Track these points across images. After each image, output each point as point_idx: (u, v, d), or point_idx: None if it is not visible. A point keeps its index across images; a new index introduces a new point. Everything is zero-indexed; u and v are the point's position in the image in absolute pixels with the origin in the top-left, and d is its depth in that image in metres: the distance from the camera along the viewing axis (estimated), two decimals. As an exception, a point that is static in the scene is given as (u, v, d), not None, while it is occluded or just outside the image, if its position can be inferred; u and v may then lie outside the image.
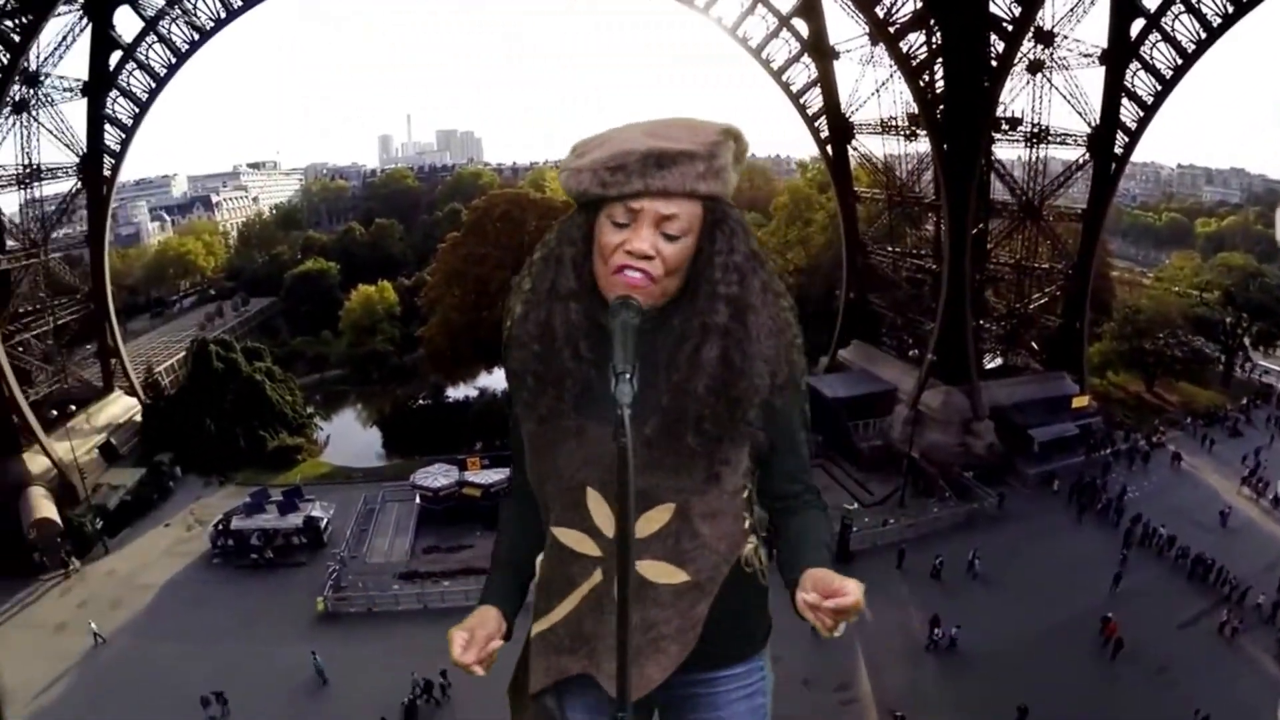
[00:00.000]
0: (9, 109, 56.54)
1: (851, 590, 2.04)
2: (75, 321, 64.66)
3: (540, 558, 2.66)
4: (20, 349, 58.46)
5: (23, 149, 59.15)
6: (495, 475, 49.88)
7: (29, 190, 60.70)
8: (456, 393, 76.23)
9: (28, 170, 59.84)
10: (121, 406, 65.98)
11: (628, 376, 1.91)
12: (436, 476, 52.52)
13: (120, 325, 69.09)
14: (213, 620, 42.49)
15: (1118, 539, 47.11)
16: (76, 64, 66.22)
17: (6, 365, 53.75)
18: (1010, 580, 43.45)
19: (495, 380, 73.45)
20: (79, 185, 62.74)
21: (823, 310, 72.42)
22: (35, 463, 53.83)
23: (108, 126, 62.32)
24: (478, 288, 67.46)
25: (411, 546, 49.89)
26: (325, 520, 50.85)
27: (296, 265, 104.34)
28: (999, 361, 63.80)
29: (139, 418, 65.68)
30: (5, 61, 52.49)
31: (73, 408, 61.80)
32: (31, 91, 57.91)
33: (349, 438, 72.72)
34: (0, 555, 48.57)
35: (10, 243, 59.77)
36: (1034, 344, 62.13)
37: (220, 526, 50.28)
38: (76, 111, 61.61)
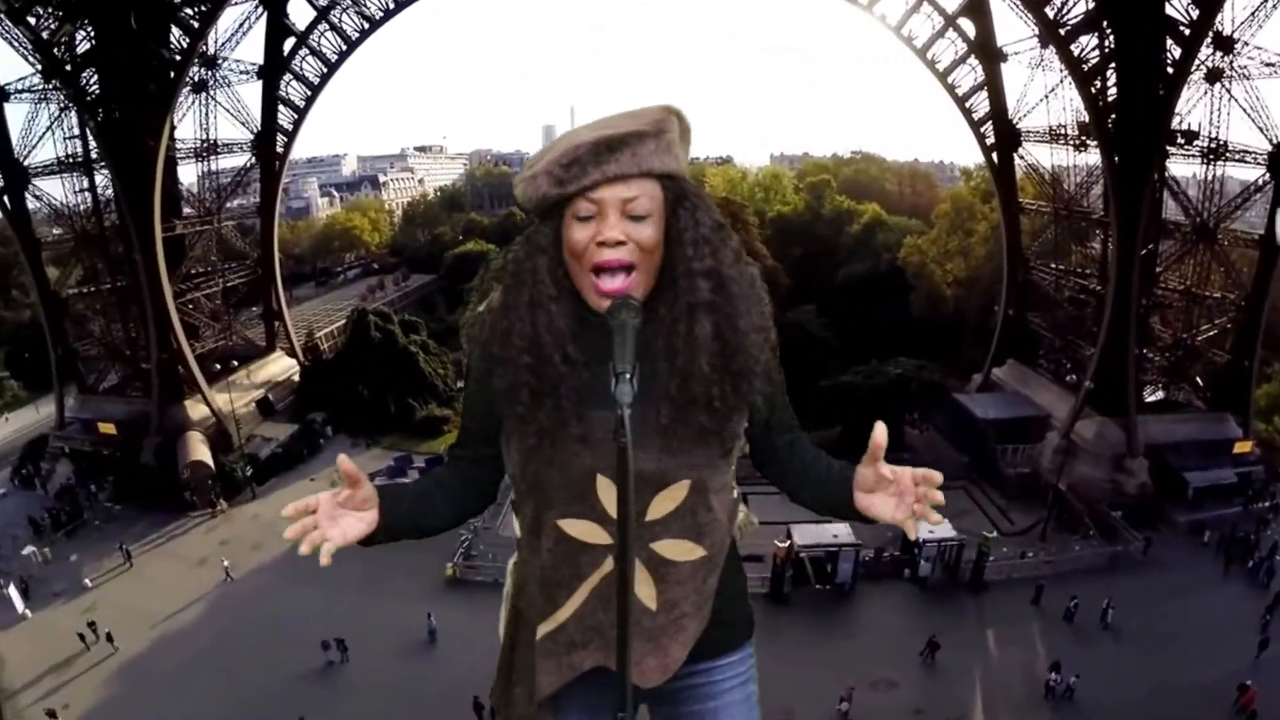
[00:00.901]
0: (189, 88, 60.94)
1: (907, 471, 2.35)
2: (243, 285, 69.60)
3: (513, 561, 2.71)
4: (191, 306, 63.43)
5: (201, 125, 64.15)
6: None
7: (206, 163, 65.62)
8: None
9: (205, 145, 64.70)
10: (281, 366, 70.02)
11: (628, 377, 1.95)
12: None
13: (285, 291, 73.02)
14: (343, 573, 43.73)
15: (1265, 601, 42.91)
16: (253, 49, 69.91)
17: (177, 320, 58.62)
18: (1144, 632, 40.41)
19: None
20: (253, 160, 67.36)
21: (979, 326, 70.36)
22: (196, 410, 58.49)
23: (281, 107, 66.50)
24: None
25: None
26: None
27: (457, 245, 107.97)
28: (1160, 395, 59.45)
29: (296, 378, 69.59)
30: (185, 45, 56.31)
31: (235, 364, 66.58)
32: (210, 73, 62.64)
33: None
34: (157, 491, 54.27)
35: (187, 210, 65.20)
36: (1198, 380, 57.35)
37: (369, 487, 52.09)
38: (252, 92, 65.45)
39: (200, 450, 55.97)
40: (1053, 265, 61.21)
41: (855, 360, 62.74)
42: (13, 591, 45.43)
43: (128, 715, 36.65)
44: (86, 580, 47.25)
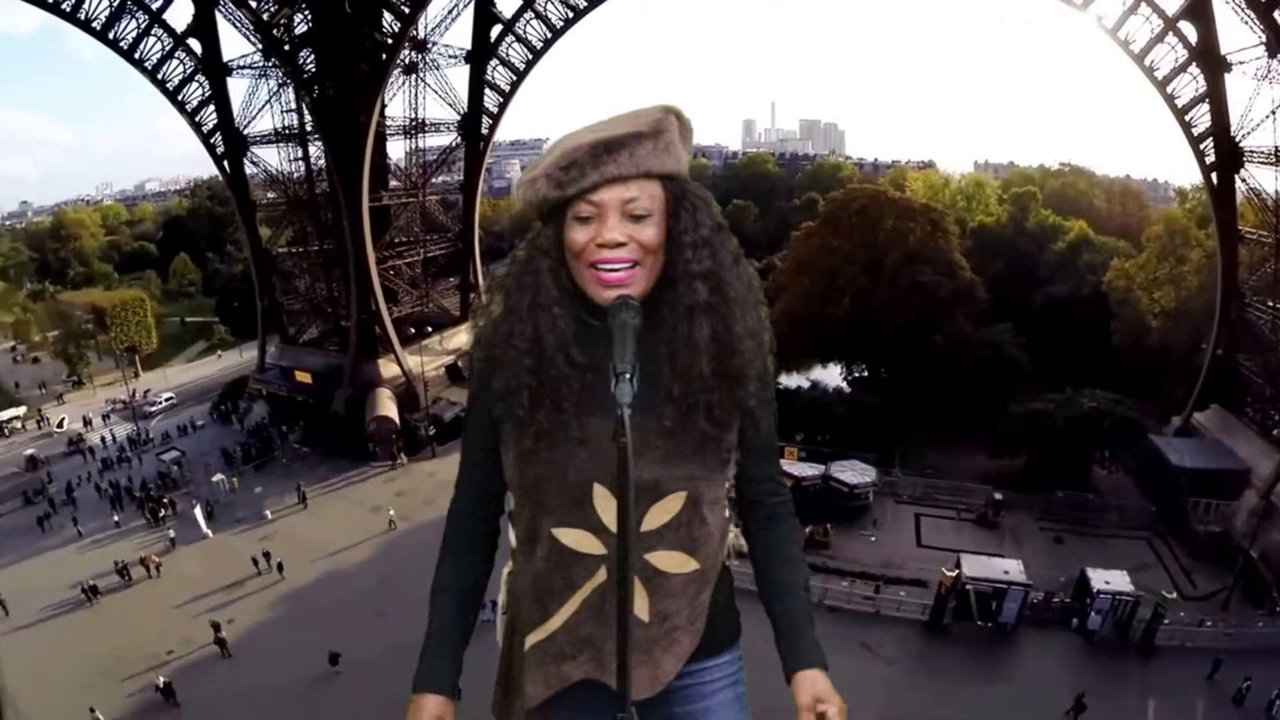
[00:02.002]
0: (400, 70, 65.24)
1: (839, 707, 2.29)
2: (443, 256, 74.11)
3: (508, 570, 2.68)
4: (392, 272, 68.15)
5: (410, 105, 68.73)
6: (810, 470, 49.16)
7: (414, 140, 70.39)
8: (789, 380, 74.15)
9: (414, 123, 69.39)
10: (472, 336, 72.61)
11: (628, 376, 1.97)
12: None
13: (483, 265, 75.91)
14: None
15: None
16: (461, 34, 73.16)
17: (378, 284, 63.40)
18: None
19: (827, 375, 73.62)
20: (458, 140, 71.39)
21: (1184, 363, 63.79)
22: (388, 369, 63.51)
23: (487, 91, 70.11)
24: (826, 280, 66.48)
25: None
26: None
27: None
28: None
29: None
30: (397, 30, 60.09)
31: (429, 329, 71.39)
32: (420, 56, 66.94)
33: None
34: (343, 439, 59.45)
35: (394, 183, 70.19)
36: None
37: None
38: (460, 76, 69.13)
39: (388, 406, 60.53)
40: (1271, 304, 53.46)
41: (1048, 387, 58.83)
42: (199, 512, 51.26)
43: (286, 636, 39.87)
44: (267, 512, 52.51)
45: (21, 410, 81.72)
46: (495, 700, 2.68)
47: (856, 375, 73.78)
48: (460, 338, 70.88)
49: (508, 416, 2.38)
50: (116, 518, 54.97)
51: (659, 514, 2.34)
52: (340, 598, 41.92)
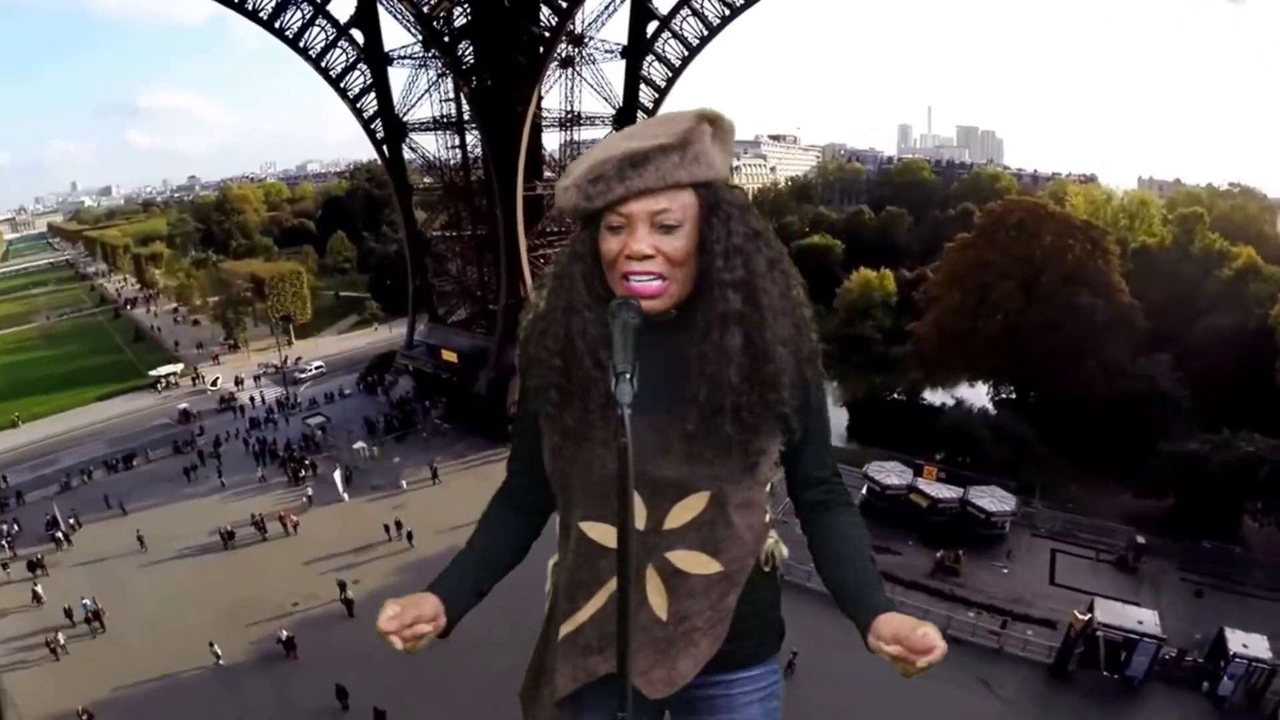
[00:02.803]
0: (556, 63, 66.87)
1: (936, 643, 2.08)
2: None
3: (553, 562, 2.67)
4: (542, 261, 68.55)
5: (566, 97, 70.51)
6: (948, 491, 48.11)
7: (569, 132, 72.11)
8: (933, 396, 73.91)
9: (569, 116, 71.10)
10: None
11: (628, 376, 1.96)
12: (890, 474, 50.63)
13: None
14: None
15: None
16: (617, 29, 74.05)
17: (528, 271, 64.86)
18: None
19: (974, 394, 71.32)
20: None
21: None
22: None
23: (643, 86, 71.05)
24: (978, 294, 64.68)
25: None
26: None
27: (803, 237, 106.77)
28: None
29: None
30: (554, 24, 61.53)
31: None
32: (577, 50, 68.55)
33: None
34: (483, 418, 60.89)
35: (548, 173, 71.53)
36: None
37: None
38: (616, 70, 69.59)
39: None
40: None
41: (1205, 427, 54.48)
42: (338, 476, 53.88)
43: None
44: (403, 482, 54.77)
45: (179, 367, 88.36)
46: (525, 686, 2.73)
47: (1003, 397, 70.90)
48: None
49: (541, 412, 2.45)
50: (261, 473, 58.73)
51: (682, 512, 2.35)
52: (469, 573, 43.07)
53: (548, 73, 64.64)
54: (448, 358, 68.85)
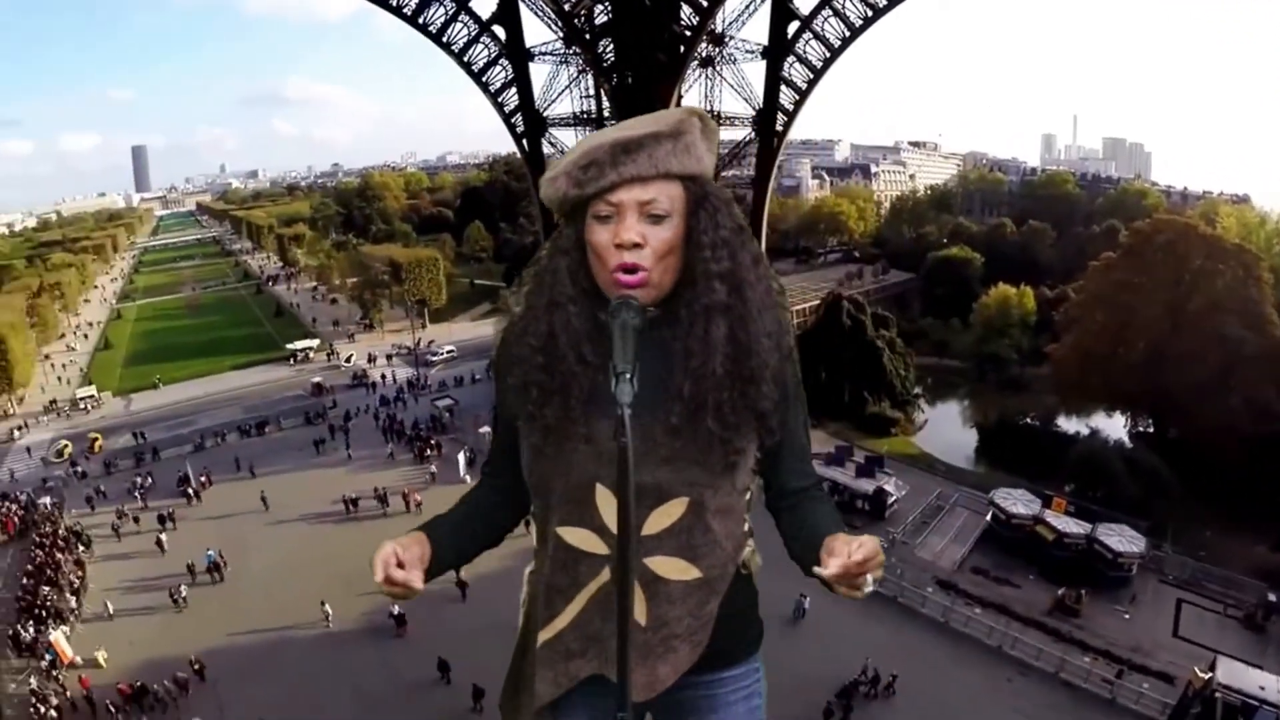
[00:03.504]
0: (697, 63, 66.48)
1: (872, 552, 2.04)
2: None
3: (530, 570, 2.69)
4: None
5: (706, 97, 69.76)
6: (1075, 526, 45.64)
7: None
8: (1067, 424, 70.53)
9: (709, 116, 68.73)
10: None
11: (628, 376, 1.95)
12: (1016, 502, 48.28)
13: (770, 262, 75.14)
14: (758, 524, 45.80)
15: None
16: (758, 29, 73.55)
17: None
18: None
19: (1110, 425, 68.23)
20: (752, 135, 71.50)
21: None
22: None
23: (783, 87, 69.40)
24: (1122, 318, 62.17)
25: (962, 559, 46.88)
26: (894, 498, 50.82)
27: (941, 248, 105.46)
28: None
29: None
30: (695, 23, 61.45)
31: None
32: (717, 50, 68.01)
33: (945, 429, 71.78)
34: None
35: None
36: None
37: (798, 465, 53.36)
38: (756, 71, 69.03)
39: None
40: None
41: None
42: (462, 458, 54.67)
43: (520, 591, 41.49)
44: None
45: (315, 342, 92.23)
46: (504, 695, 2.75)
47: (1140, 429, 67.19)
48: None
49: (520, 412, 2.43)
50: (390, 449, 60.50)
51: (660, 518, 2.34)
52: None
53: (687, 72, 64.60)
54: (582, 350, 69.60)
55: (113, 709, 35.12)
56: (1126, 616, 42.05)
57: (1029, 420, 70.39)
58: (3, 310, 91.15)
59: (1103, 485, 52.93)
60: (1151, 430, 66.21)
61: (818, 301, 78.55)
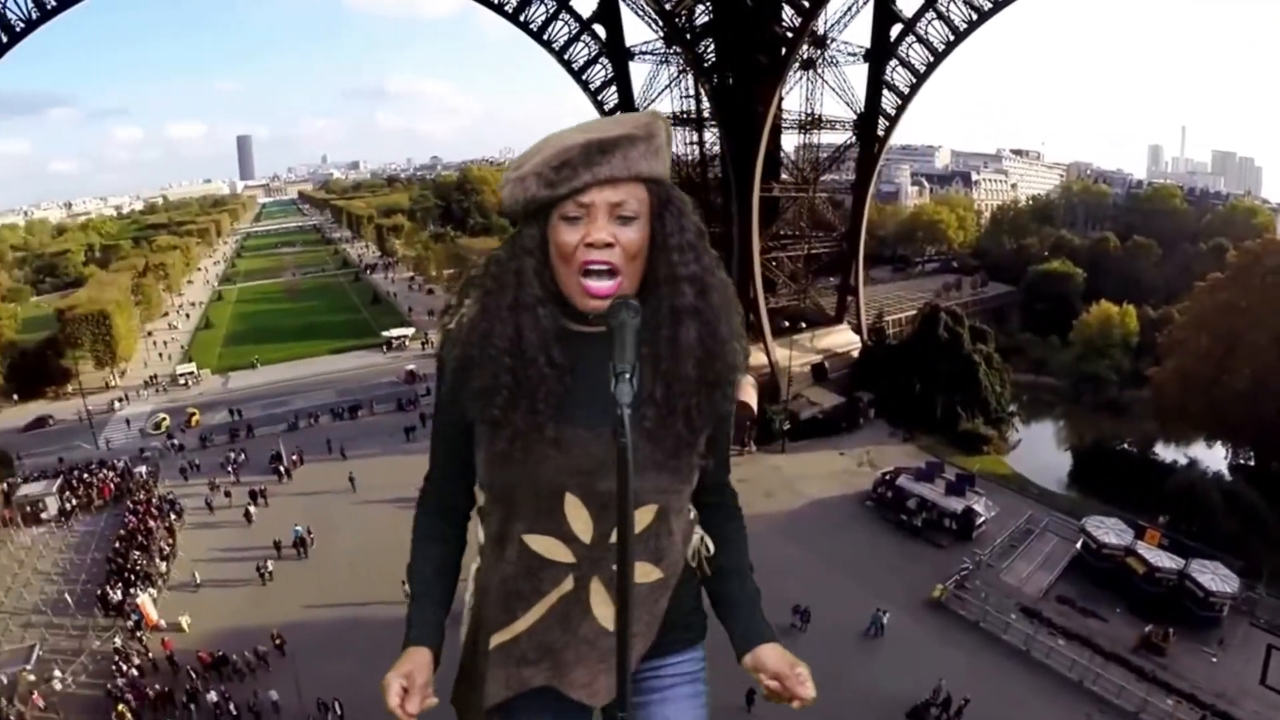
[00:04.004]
0: (798, 65, 65.92)
1: (809, 693, 2.35)
2: (826, 255, 74.10)
3: (476, 567, 2.67)
4: (773, 264, 69.81)
5: (807, 100, 69.69)
6: (1168, 560, 43.46)
7: (807, 135, 71.11)
8: (1166, 452, 67.18)
9: (809, 118, 70.14)
10: (843, 339, 73.17)
11: (628, 376, 1.93)
12: (1108, 531, 45.83)
13: (863, 270, 75.33)
14: (837, 548, 45.81)
15: None
16: (860, 32, 72.92)
17: (759, 273, 64.86)
18: None
19: (1211, 456, 65.13)
20: (853, 139, 71.15)
21: None
22: (755, 357, 63.32)
23: (885, 92, 69.33)
24: (1227, 343, 59.52)
25: (1049, 587, 44.66)
26: (983, 519, 49.28)
27: (1042, 261, 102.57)
28: None
29: (855, 354, 72.05)
30: (797, 24, 60.66)
31: (803, 325, 71.02)
32: (818, 52, 67.67)
33: (1037, 450, 69.24)
34: None
35: (784, 176, 71.12)
36: None
37: (887, 477, 52.59)
38: (858, 74, 68.52)
39: (749, 393, 57.90)
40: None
41: None
42: None
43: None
44: None
45: (410, 331, 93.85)
46: (456, 692, 2.71)
47: (1242, 462, 64.10)
48: (831, 338, 71.67)
49: (482, 417, 2.36)
50: None
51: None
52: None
53: (789, 74, 64.13)
54: (674, 351, 70.18)
55: (193, 675, 36.36)
56: (1214, 660, 39.70)
57: (1125, 446, 67.25)
58: (109, 288, 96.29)
59: (1199, 519, 50.60)
60: (1252, 463, 63.17)
61: (914, 312, 77.29)
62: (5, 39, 58.25)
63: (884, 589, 41.22)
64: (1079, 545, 46.72)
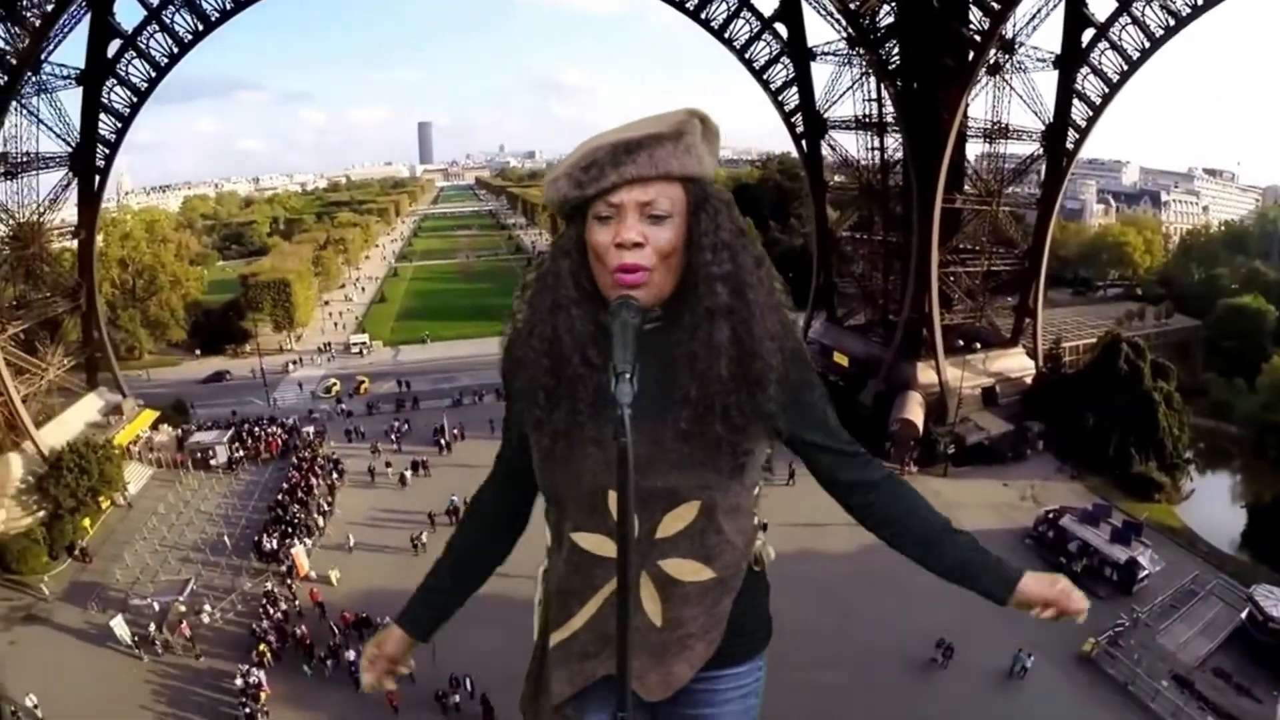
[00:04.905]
0: (985, 70, 63.08)
1: (1076, 597, 2.43)
2: (1006, 272, 70.63)
3: (544, 569, 2.73)
4: (951, 278, 66.95)
5: (992, 107, 66.93)
6: None
7: (992, 145, 68.23)
8: None
9: (995, 127, 67.38)
10: (1017, 363, 69.42)
11: (628, 376, 1.93)
12: (1278, 603, 42.61)
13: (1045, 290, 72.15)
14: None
15: None
16: (1049, 37, 69.88)
17: (935, 287, 63.09)
18: None
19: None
20: (1039, 150, 68.00)
21: None
22: (924, 374, 62.77)
23: (1075, 101, 65.75)
24: None
25: (1206, 656, 41.49)
26: (1146, 573, 45.69)
27: (1233, 295, 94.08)
28: None
29: (1028, 380, 68.47)
30: (985, 27, 57.99)
31: (976, 345, 68.31)
32: (1006, 57, 64.61)
33: (1211, 503, 63.76)
34: (861, 431, 57.57)
35: (967, 187, 68.19)
36: None
37: (1051, 515, 49.95)
38: (1046, 81, 66.42)
39: (916, 411, 59.89)
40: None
41: None
42: None
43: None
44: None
45: None
46: (524, 695, 2.78)
47: None
48: (1005, 361, 68.38)
49: (528, 416, 2.42)
50: None
51: (673, 521, 2.37)
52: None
53: (975, 79, 61.87)
54: (838, 360, 68.64)
55: (335, 629, 38.29)
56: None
57: (1309, 508, 62.56)
58: (290, 258, 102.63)
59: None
60: None
61: (1093, 340, 72.36)
62: (201, 27, 61.56)
63: (1034, 634, 38.22)
64: (1244, 615, 42.97)
